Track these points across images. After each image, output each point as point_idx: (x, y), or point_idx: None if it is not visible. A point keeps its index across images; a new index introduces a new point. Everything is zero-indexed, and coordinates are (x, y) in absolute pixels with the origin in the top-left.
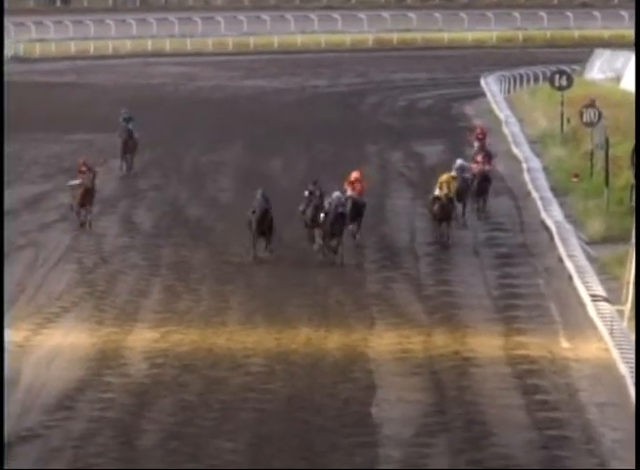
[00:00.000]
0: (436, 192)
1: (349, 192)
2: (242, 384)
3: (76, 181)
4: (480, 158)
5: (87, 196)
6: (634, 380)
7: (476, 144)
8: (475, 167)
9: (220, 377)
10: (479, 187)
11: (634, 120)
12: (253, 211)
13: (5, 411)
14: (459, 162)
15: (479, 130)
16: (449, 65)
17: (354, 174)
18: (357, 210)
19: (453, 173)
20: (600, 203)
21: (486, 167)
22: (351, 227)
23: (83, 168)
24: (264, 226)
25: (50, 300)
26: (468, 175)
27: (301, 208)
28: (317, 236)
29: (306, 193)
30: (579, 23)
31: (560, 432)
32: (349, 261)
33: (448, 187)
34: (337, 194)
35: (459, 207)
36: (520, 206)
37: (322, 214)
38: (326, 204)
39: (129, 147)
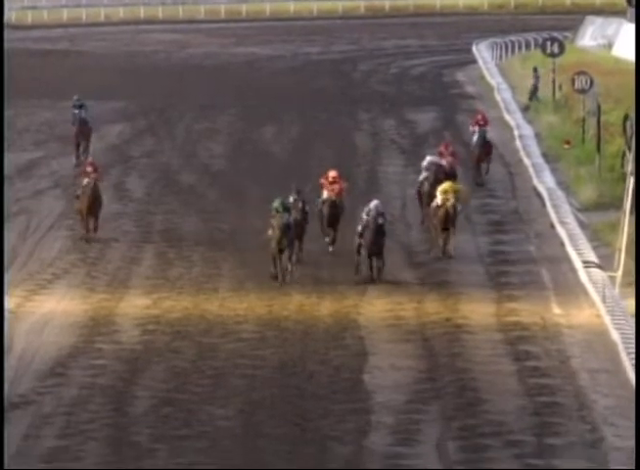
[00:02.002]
0: (439, 200)
1: (326, 193)
2: (234, 350)
3: (81, 188)
4: (444, 149)
5: (95, 203)
6: (625, 347)
7: (475, 129)
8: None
9: (212, 343)
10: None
11: (625, 87)
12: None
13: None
14: (429, 158)
15: (479, 116)
16: (441, 32)
17: (332, 173)
18: (336, 214)
19: (446, 185)
20: (592, 169)
21: (449, 158)
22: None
23: (89, 169)
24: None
25: (42, 266)
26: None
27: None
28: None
29: (291, 199)
30: None
31: (552, 398)
32: (343, 229)
33: (454, 195)
34: (375, 203)
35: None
36: (512, 172)
37: (359, 228)
38: (363, 215)
39: (84, 135)
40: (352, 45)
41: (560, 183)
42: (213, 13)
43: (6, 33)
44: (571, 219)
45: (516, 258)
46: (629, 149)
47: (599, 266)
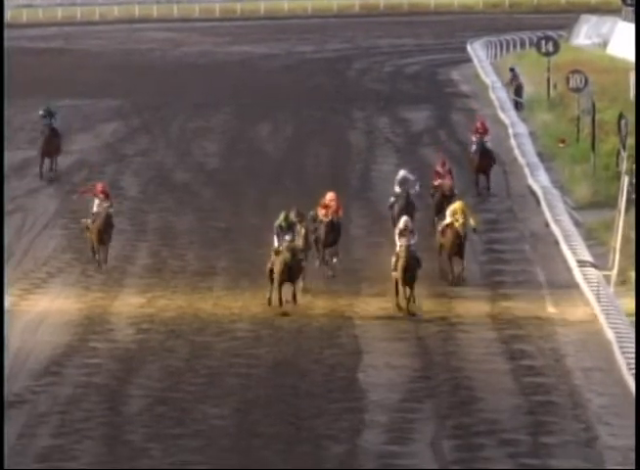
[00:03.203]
0: (448, 219)
1: (322, 216)
2: (228, 349)
3: (91, 215)
4: (440, 168)
5: (106, 231)
6: (619, 346)
7: (474, 139)
8: (437, 181)
9: (206, 342)
10: (437, 206)
11: (620, 85)
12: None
13: None
14: (402, 173)
15: (478, 124)
16: (436, 30)
17: (329, 196)
18: (335, 233)
19: (458, 205)
20: (586, 168)
21: (447, 181)
22: (327, 252)
23: (101, 196)
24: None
25: (37, 265)
26: (414, 190)
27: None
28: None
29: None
30: None
31: (546, 397)
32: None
33: (464, 215)
34: (404, 219)
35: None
36: (506, 171)
37: (393, 259)
38: (396, 241)
39: (53, 146)
40: (347, 43)
41: (554, 182)
42: (208, 11)
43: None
44: (565, 218)
45: (510, 257)
46: (624, 147)
47: (593, 265)
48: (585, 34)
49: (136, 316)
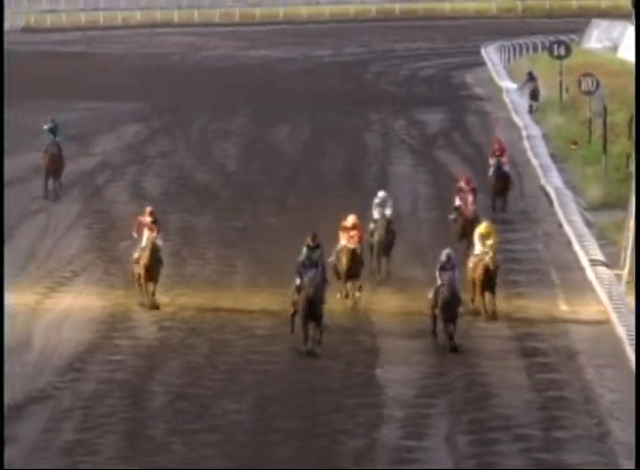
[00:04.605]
0: (477, 247)
1: (344, 241)
2: (247, 346)
3: (139, 249)
4: (464, 184)
5: (156, 266)
6: (630, 343)
7: (491, 162)
8: (462, 206)
9: (226, 340)
10: (461, 232)
11: (631, 88)
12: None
13: (17, 372)
14: (381, 194)
15: (496, 146)
16: (450, 35)
17: (351, 219)
18: (356, 265)
19: (485, 226)
20: (598, 169)
21: (470, 207)
22: (349, 286)
23: (148, 219)
24: None
25: (61, 264)
26: (389, 211)
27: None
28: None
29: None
30: None
31: (559, 393)
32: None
33: (493, 245)
34: (446, 252)
35: (379, 261)
36: (520, 172)
37: (431, 294)
38: (437, 276)
39: (58, 166)
40: (363, 48)
41: (567, 183)
42: (228, 16)
43: (25, 36)
44: (578, 218)
45: (524, 257)
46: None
47: (605, 264)
48: (596, 38)
49: (158, 314)
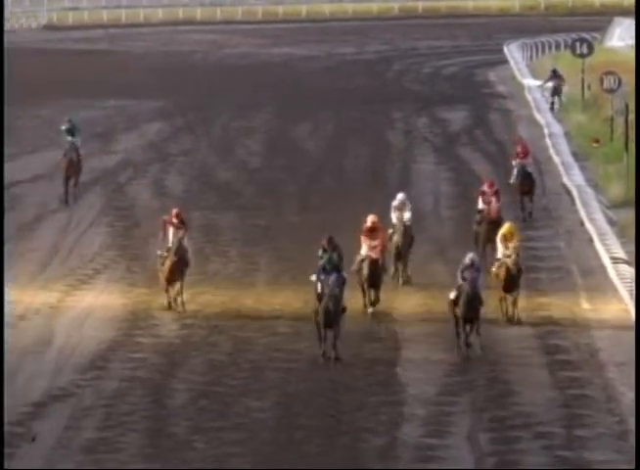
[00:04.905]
0: (500, 250)
1: (366, 249)
2: (269, 344)
3: (167, 245)
4: (487, 188)
5: (180, 267)
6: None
7: (514, 163)
8: (485, 209)
9: (248, 337)
10: (486, 234)
11: None
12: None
13: (39, 370)
14: (400, 197)
15: (519, 148)
16: (473, 33)
17: (371, 219)
18: (378, 274)
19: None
20: (620, 167)
21: (493, 205)
22: (366, 297)
23: (175, 220)
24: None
25: (83, 262)
26: (408, 214)
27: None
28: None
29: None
30: None
31: (580, 391)
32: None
33: (516, 247)
34: (470, 256)
35: (396, 267)
36: (542, 170)
37: (453, 295)
38: (458, 278)
39: (76, 169)
40: (386, 45)
41: (589, 181)
42: (250, 14)
43: (47, 34)
44: (599, 216)
45: (546, 254)
46: None
47: (627, 262)
48: (619, 36)
49: (180, 312)
